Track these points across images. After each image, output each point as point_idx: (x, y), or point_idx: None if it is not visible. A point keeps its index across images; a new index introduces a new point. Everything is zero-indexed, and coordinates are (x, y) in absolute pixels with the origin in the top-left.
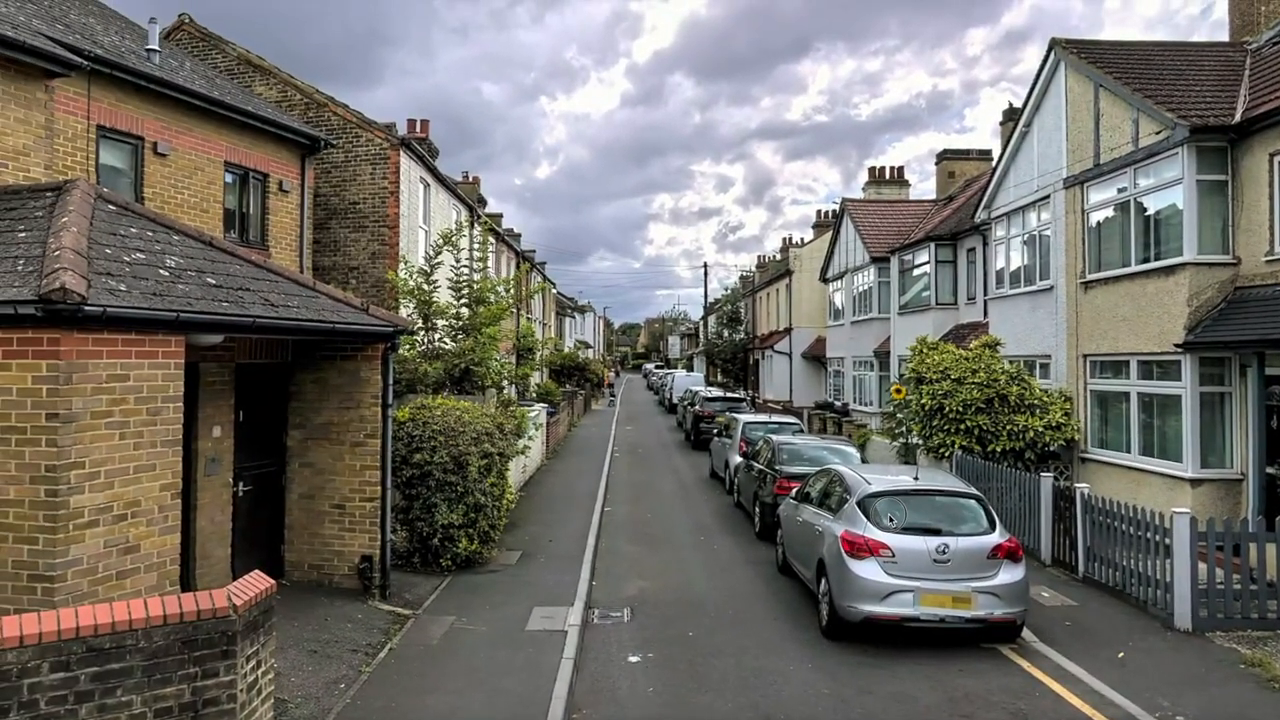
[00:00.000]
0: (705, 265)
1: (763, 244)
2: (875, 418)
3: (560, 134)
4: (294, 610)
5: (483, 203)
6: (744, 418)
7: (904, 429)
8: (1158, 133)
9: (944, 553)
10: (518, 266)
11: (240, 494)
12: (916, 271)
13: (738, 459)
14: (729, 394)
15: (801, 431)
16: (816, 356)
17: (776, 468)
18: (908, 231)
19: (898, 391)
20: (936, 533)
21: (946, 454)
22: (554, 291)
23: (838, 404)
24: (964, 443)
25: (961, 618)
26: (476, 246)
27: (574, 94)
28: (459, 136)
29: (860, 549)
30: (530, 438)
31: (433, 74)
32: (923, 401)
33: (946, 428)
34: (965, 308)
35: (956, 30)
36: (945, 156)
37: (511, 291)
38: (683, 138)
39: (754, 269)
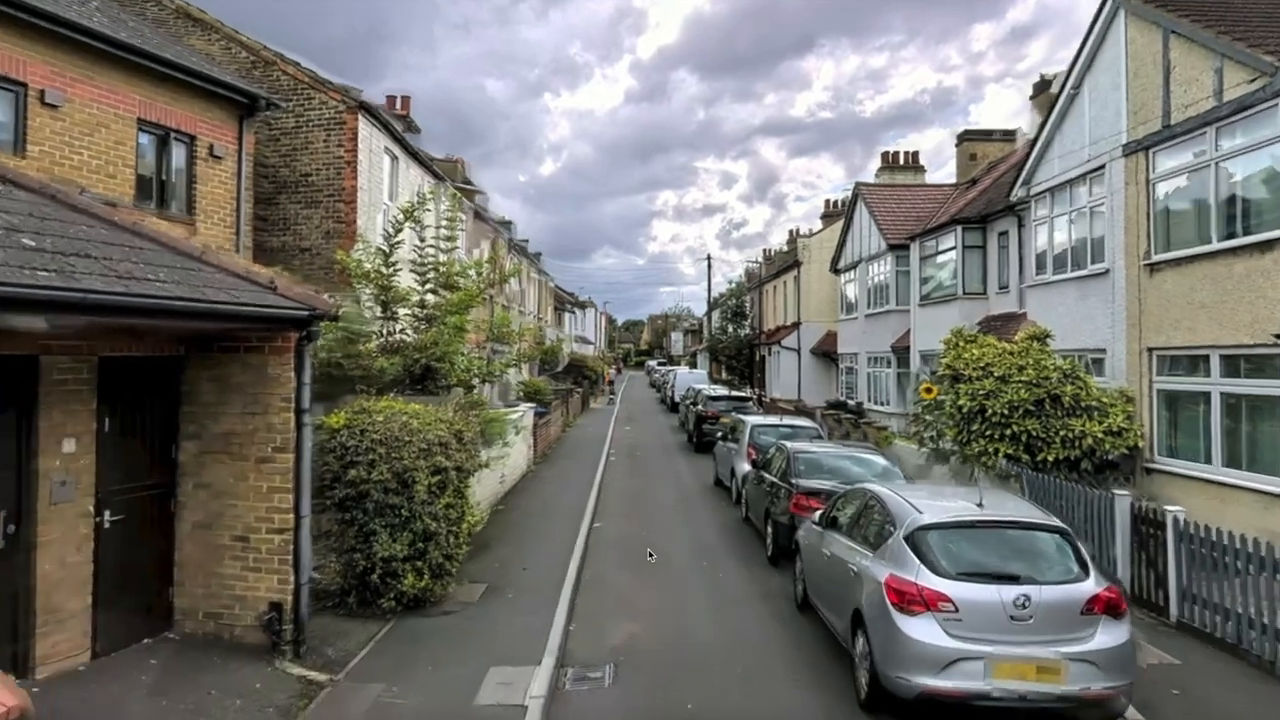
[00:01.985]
0: (709, 257)
1: (767, 240)
2: (893, 419)
3: (564, 131)
4: (172, 679)
5: (468, 186)
6: (751, 420)
7: (935, 433)
8: (1251, 80)
9: (1024, 606)
10: (493, 246)
11: (107, 525)
12: (940, 259)
13: (745, 467)
14: (734, 392)
15: (819, 438)
16: (827, 352)
17: (792, 481)
18: (927, 217)
19: (928, 390)
20: (1013, 579)
21: (989, 463)
22: (552, 285)
23: (851, 403)
24: (1009, 450)
25: (1049, 694)
26: (444, 223)
27: (578, 90)
28: (463, 133)
29: (911, 601)
30: (507, 444)
31: (435, 70)
32: (960, 402)
33: (989, 433)
34: (996, 297)
35: (961, 26)
36: (967, 138)
37: (484, 274)
38: (686, 134)
39: (760, 261)
